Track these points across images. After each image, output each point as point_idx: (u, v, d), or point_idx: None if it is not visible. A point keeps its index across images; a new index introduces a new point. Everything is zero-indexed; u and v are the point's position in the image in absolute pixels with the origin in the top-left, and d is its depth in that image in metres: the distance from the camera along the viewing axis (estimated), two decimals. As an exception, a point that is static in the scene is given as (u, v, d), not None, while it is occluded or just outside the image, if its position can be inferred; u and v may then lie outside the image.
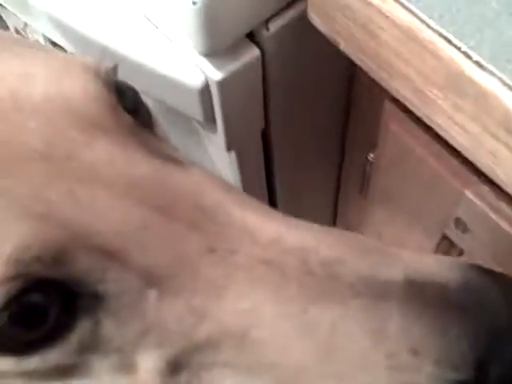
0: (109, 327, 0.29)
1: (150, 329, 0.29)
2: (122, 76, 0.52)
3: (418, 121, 0.47)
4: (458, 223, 0.50)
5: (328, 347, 0.29)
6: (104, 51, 0.52)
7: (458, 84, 0.37)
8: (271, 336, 0.29)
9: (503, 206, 0.45)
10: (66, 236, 0.27)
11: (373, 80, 0.44)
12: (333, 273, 0.29)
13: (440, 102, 0.39)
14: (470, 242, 0.51)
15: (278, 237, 0.29)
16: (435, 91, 0.38)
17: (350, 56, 0.44)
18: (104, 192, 0.28)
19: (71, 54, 0.33)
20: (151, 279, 0.29)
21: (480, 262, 0.51)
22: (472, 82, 0.36)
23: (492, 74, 0.35)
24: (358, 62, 0.44)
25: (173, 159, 0.32)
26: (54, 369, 0.30)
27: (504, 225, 0.46)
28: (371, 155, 0.59)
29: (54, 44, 0.60)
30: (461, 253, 0.55)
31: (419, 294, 0.28)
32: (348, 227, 0.78)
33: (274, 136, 0.58)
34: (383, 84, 0.43)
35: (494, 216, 0.46)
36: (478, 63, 0.35)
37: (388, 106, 0.50)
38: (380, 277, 0.28)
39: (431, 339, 0.28)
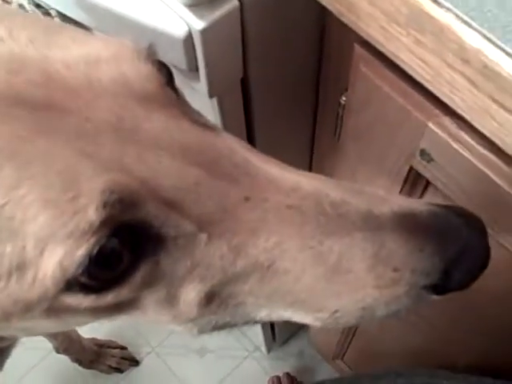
0: (165, 266, 0.33)
1: (197, 265, 0.34)
2: (109, 28, 0.54)
3: (384, 61, 0.49)
4: (423, 154, 0.53)
5: (333, 272, 0.34)
6: (87, 4, 0.53)
7: (418, 21, 0.39)
8: (291, 265, 0.34)
9: (463, 135, 0.48)
10: (138, 185, 0.31)
11: (343, 26, 0.46)
12: (341, 212, 0.34)
13: (403, 38, 0.41)
14: (434, 171, 0.54)
15: (296, 185, 0.35)
16: (398, 29, 0.41)
17: (321, 2, 0.46)
18: (165, 155, 0.32)
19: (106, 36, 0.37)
20: (202, 225, 0.33)
21: (443, 188, 0.55)
22: (431, 18, 0.38)
23: (448, 10, 0.37)
24: (329, 7, 0.46)
25: (207, 126, 0.36)
26: (114, 303, 0.33)
27: (465, 153, 0.48)
28: (343, 98, 0.61)
29: (38, 6, 0.62)
30: (427, 182, 0.58)
31: (402, 223, 0.34)
32: (323, 168, 0.80)
33: (253, 83, 0.60)
34: (352, 26, 0.45)
35: (455, 145, 0.48)
36: (435, 1, 0.37)
37: (357, 49, 0.52)
38: (374, 212, 0.35)
39: (409, 257, 0.34)
